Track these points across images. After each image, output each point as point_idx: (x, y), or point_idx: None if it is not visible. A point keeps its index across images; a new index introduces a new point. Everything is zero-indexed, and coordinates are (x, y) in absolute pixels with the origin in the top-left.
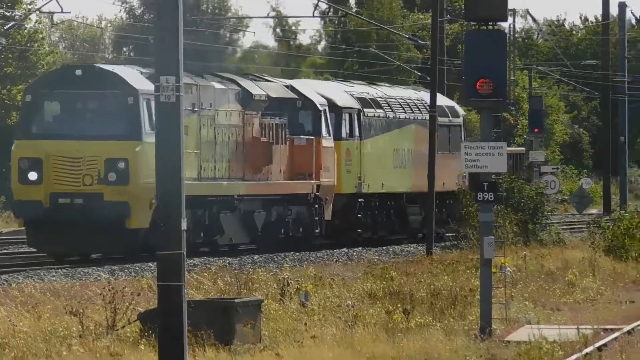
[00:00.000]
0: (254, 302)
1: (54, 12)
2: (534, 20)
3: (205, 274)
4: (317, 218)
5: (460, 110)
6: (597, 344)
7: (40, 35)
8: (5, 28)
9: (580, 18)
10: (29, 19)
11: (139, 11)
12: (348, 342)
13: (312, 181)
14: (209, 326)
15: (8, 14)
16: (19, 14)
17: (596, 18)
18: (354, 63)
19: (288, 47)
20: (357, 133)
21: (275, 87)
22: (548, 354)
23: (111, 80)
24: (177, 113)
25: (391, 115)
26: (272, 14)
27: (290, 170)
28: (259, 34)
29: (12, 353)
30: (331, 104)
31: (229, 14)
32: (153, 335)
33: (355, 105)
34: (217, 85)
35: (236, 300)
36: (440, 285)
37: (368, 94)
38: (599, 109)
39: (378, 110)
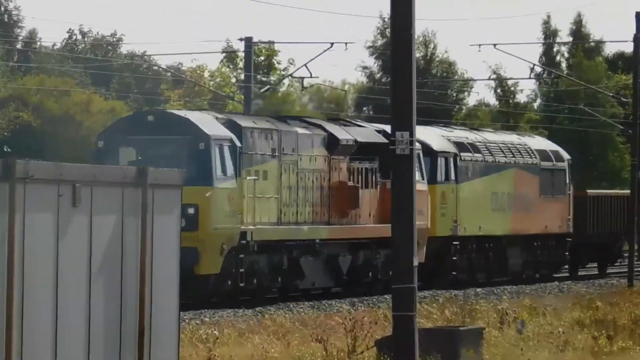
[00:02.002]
0: (476, 330)
1: (304, 77)
2: None
3: (434, 305)
4: None
5: (565, 155)
6: None
7: (292, 98)
8: (261, 91)
9: None
10: (282, 83)
11: (378, 75)
12: None
13: None
14: (437, 351)
15: (265, 79)
16: (274, 79)
17: None
18: (565, 119)
19: (507, 105)
20: (453, 177)
21: (364, 132)
22: None
23: (183, 125)
24: (410, 164)
25: (490, 159)
26: (494, 76)
27: (380, 213)
28: (482, 94)
29: None
30: (426, 148)
31: (456, 77)
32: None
33: (452, 149)
34: (301, 131)
35: (461, 329)
36: None
37: (467, 138)
38: None
39: (476, 155)
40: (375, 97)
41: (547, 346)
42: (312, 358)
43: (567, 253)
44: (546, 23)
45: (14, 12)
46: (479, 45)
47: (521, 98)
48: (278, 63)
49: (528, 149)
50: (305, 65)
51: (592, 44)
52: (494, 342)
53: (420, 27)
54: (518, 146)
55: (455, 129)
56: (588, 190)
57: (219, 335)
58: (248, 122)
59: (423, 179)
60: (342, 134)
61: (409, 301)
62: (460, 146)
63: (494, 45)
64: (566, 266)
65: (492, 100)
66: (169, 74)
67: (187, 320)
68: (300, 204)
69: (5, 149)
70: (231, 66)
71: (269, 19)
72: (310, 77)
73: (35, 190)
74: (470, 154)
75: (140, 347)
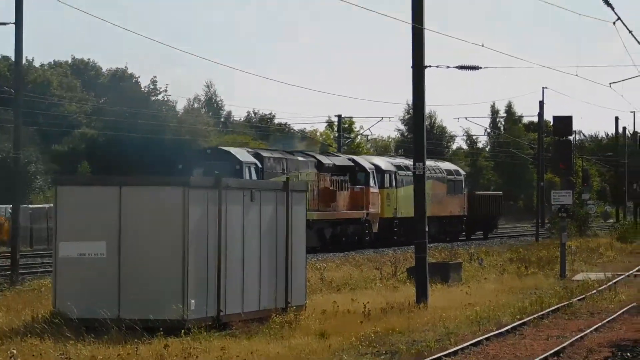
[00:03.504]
0: (458, 263)
1: (368, 135)
2: (583, 135)
3: (435, 250)
4: (367, 231)
5: (462, 172)
6: (614, 281)
7: (362, 145)
8: (346, 142)
9: (609, 133)
10: (357, 137)
11: (406, 134)
12: (500, 281)
13: (364, 210)
14: (437, 275)
15: (347, 136)
16: (352, 135)
17: (609, 134)
18: (504, 156)
19: (472, 149)
20: (394, 184)
21: (340, 159)
22: (591, 285)
23: (227, 155)
24: (422, 180)
25: None
26: (465, 134)
27: (350, 205)
28: (459, 144)
29: (349, 286)
30: (377, 168)
31: (446, 134)
32: (412, 278)
33: (393, 169)
34: (300, 158)
35: (450, 262)
36: (542, 255)
37: (403, 162)
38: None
39: (408, 172)
40: (405, 145)
41: (494, 271)
42: (374, 277)
43: (463, 226)
44: (492, 106)
45: (219, 101)
46: (458, 118)
47: (480, 145)
48: (354, 128)
49: (440, 169)
50: (369, 128)
51: (517, 117)
52: (467, 269)
53: (427, 108)
54: (434, 167)
55: (397, 157)
56: (476, 192)
57: (326, 266)
58: (267, 153)
59: (375, 186)
60: (326, 160)
61: (423, 248)
62: (398, 167)
63: (466, 118)
64: (464, 233)
65: (464, 146)
66: (299, 133)
67: (309, 258)
68: None
69: (216, 172)
70: (330, 129)
71: (350, 105)
72: (371, 134)
73: (231, 193)
74: (404, 172)
75: (287, 273)
